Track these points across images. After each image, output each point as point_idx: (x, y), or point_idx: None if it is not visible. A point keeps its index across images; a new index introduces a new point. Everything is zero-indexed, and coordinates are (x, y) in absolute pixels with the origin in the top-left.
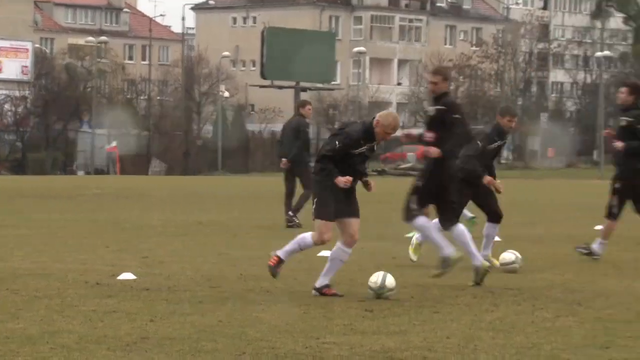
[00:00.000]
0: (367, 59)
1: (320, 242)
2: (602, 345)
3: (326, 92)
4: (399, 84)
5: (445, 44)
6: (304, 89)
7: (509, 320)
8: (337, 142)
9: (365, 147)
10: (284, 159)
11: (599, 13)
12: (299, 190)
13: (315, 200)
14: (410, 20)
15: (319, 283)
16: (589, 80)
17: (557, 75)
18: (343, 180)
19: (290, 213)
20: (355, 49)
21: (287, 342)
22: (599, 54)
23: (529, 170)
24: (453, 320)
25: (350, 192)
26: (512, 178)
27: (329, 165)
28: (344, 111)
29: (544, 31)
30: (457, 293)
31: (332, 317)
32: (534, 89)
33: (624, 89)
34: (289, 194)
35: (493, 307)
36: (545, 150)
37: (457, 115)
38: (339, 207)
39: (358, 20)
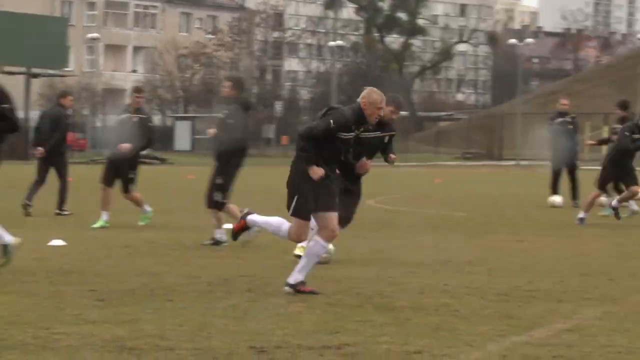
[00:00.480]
0: (101, 45)
1: (297, 241)
2: (332, 330)
3: (58, 79)
4: (134, 71)
5: (181, 32)
6: (35, 75)
7: (242, 307)
8: (331, 121)
9: (354, 133)
10: (40, 148)
11: (332, 3)
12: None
13: (296, 195)
14: (146, 7)
15: (292, 279)
16: (322, 69)
17: (292, 64)
18: (319, 173)
19: (27, 200)
20: (89, 35)
21: (15, 333)
22: (332, 43)
23: (263, 158)
24: (186, 307)
25: (331, 182)
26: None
27: (310, 148)
28: (77, 98)
29: (278, 20)
30: (190, 281)
31: (62, 307)
32: (268, 77)
33: (227, 83)
34: (40, 182)
35: (226, 295)
36: (279, 137)
37: (6, 105)
38: (319, 199)
39: (92, 6)
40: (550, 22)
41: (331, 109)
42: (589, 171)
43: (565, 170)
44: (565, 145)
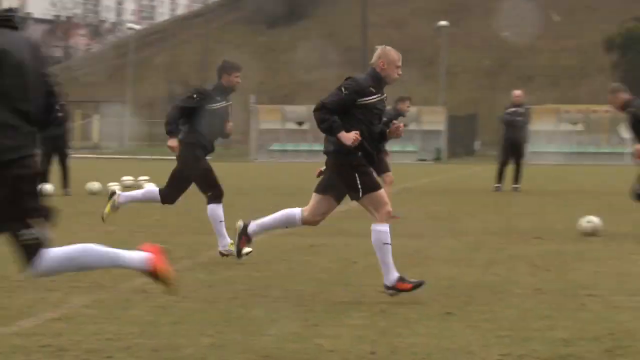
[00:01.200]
0: None
1: (387, 218)
2: None
3: None
4: None
5: None
6: None
7: None
8: (343, 89)
9: (377, 97)
10: None
11: None
12: None
13: (357, 174)
14: None
15: (389, 281)
16: None
17: None
18: (351, 137)
19: None
20: None
21: None
22: None
23: None
24: None
25: (372, 162)
26: None
27: (328, 117)
28: None
29: None
30: None
31: None
32: None
33: None
34: None
35: None
36: None
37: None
38: (331, 184)
39: None
40: (40, 9)
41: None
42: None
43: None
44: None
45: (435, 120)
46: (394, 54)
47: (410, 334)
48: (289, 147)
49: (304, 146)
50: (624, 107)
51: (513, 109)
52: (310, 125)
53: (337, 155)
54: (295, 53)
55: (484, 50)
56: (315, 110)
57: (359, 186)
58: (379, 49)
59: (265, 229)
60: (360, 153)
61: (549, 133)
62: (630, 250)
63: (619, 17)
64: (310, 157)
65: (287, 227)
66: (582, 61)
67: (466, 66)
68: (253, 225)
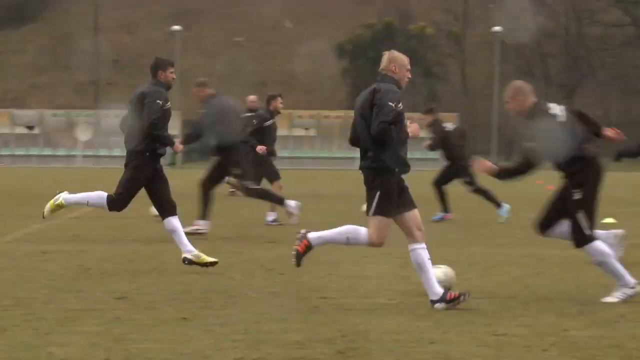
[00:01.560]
0: None
1: (380, 244)
2: None
3: None
4: None
5: None
6: None
7: None
8: (393, 103)
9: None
10: None
11: None
12: None
13: (378, 195)
14: None
15: (435, 296)
16: None
17: None
18: (415, 128)
19: None
20: None
21: None
22: None
23: None
24: None
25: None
26: None
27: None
28: None
29: None
30: None
31: None
32: None
33: None
34: None
35: None
36: None
37: None
38: (398, 201)
39: None
40: None
41: (376, 92)
42: None
43: None
44: None
45: (170, 125)
46: (403, 57)
47: (144, 339)
48: (19, 151)
49: (34, 151)
50: (205, 101)
51: (248, 115)
52: (41, 129)
53: (375, 171)
54: (25, 56)
55: (216, 55)
56: (381, 132)
57: (374, 206)
58: (388, 54)
59: (328, 242)
60: (397, 169)
61: (283, 138)
62: (362, 253)
63: (349, 24)
64: (41, 162)
65: (355, 244)
66: (314, 67)
67: (199, 71)
68: (315, 235)
